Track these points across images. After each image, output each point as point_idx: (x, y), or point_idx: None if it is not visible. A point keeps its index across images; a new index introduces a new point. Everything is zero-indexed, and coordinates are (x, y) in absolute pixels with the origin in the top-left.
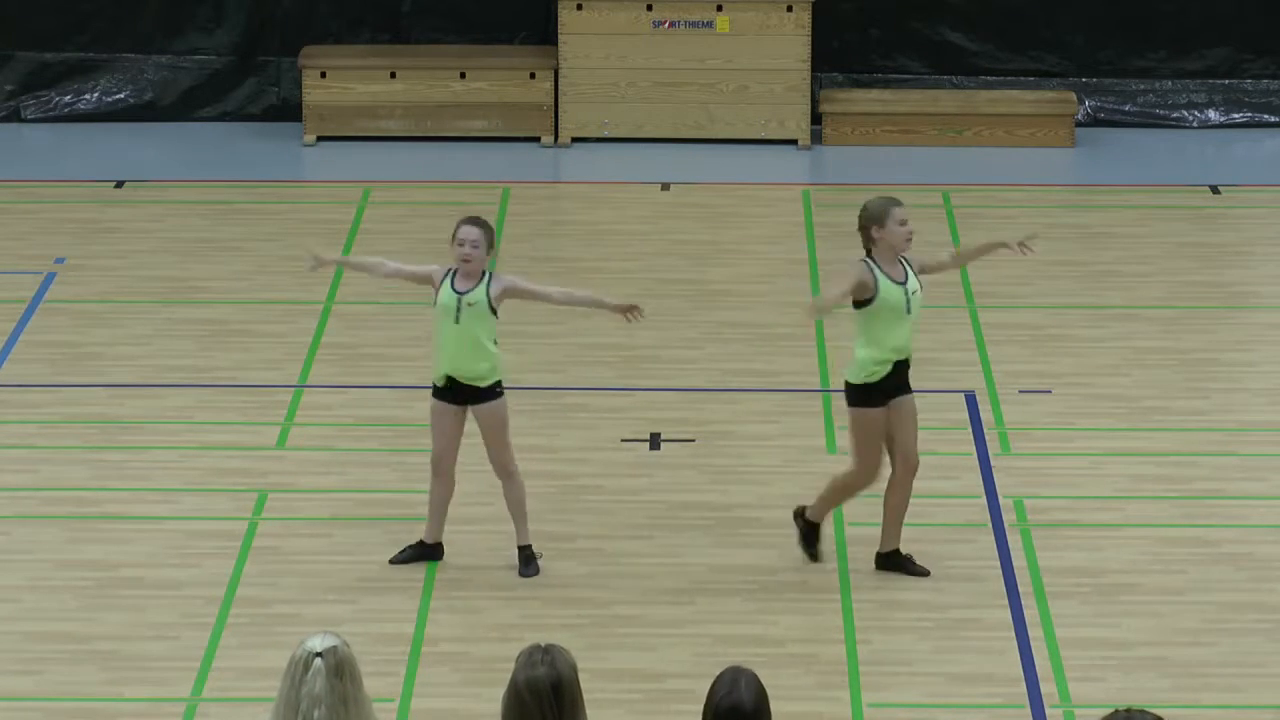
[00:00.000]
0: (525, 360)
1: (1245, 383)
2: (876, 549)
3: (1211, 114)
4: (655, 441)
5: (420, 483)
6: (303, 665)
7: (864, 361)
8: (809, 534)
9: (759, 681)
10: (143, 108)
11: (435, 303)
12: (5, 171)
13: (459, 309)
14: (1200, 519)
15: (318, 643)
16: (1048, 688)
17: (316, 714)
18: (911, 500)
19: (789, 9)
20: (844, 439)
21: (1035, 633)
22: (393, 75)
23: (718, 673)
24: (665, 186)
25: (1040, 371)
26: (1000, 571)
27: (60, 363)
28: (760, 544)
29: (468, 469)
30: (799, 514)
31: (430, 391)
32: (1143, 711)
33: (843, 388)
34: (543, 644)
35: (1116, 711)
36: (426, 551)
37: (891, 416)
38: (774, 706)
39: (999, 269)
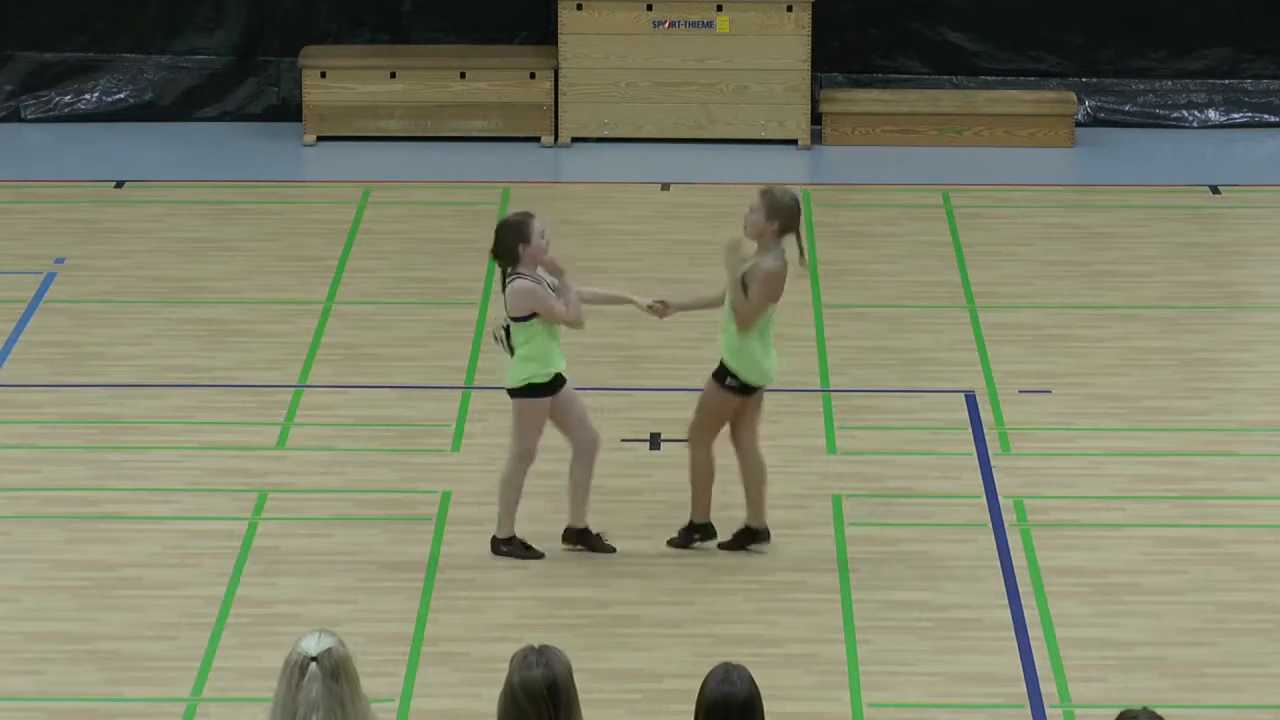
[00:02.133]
0: None
1: (1245, 383)
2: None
3: (1211, 114)
4: (655, 441)
5: (420, 482)
6: (298, 670)
7: (767, 365)
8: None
9: (750, 676)
10: (143, 108)
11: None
12: (5, 171)
13: None
14: (1200, 519)
15: (313, 645)
16: (1048, 688)
17: (314, 718)
18: (911, 500)
19: (789, 9)
20: (844, 438)
21: (1035, 633)
22: (393, 75)
23: (708, 673)
24: (665, 186)
25: (1040, 371)
26: (1000, 571)
27: (60, 363)
28: None
29: (470, 469)
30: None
31: (541, 392)
32: (1150, 712)
33: (729, 380)
34: (536, 645)
35: (1124, 712)
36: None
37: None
38: (774, 707)
39: (999, 269)
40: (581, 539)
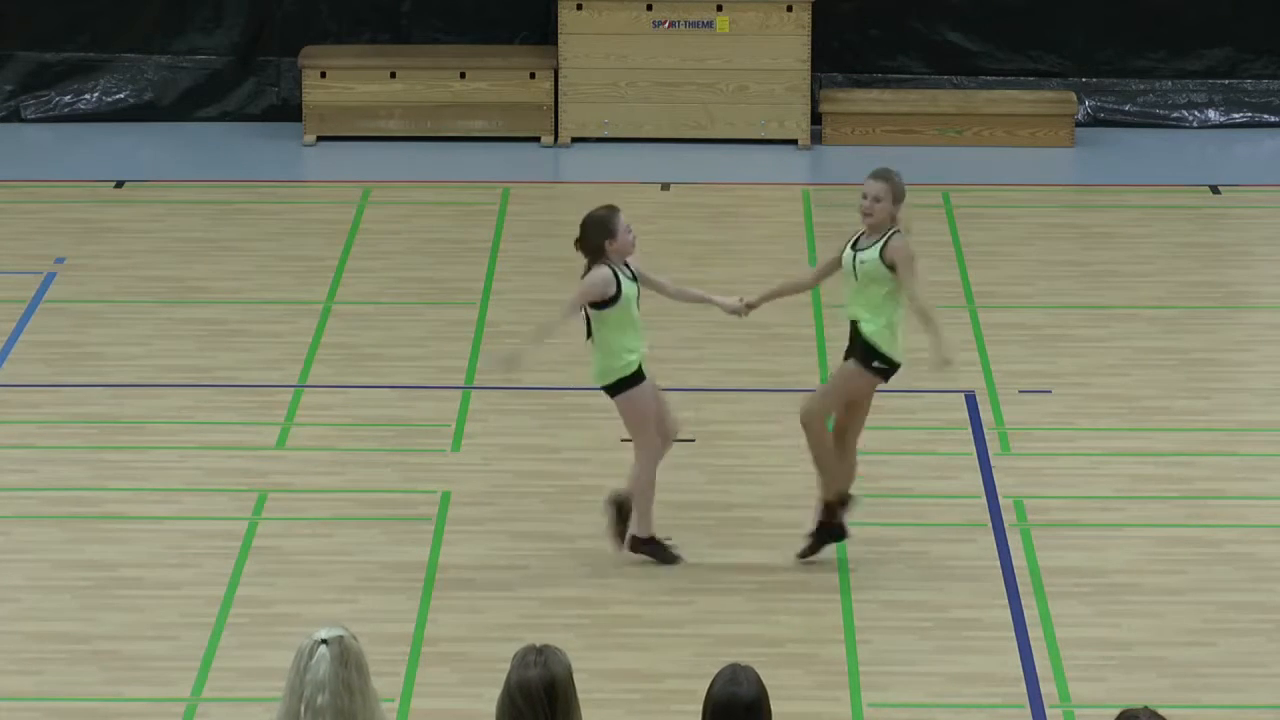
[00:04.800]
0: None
1: (1245, 383)
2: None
3: (1211, 114)
4: None
5: (420, 482)
6: (308, 652)
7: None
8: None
9: (759, 676)
10: (143, 108)
11: (618, 299)
12: (5, 171)
13: (638, 298)
14: (1200, 519)
15: (324, 632)
16: (1048, 688)
17: (320, 699)
18: (911, 500)
19: (789, 9)
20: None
21: (1035, 633)
22: (393, 75)
23: (717, 672)
24: (665, 186)
25: (1040, 371)
26: (1000, 571)
27: (60, 363)
28: (760, 544)
29: (470, 469)
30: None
31: (633, 380)
32: (1151, 711)
33: (876, 363)
34: (537, 644)
35: (1125, 712)
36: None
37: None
38: (774, 707)
39: (999, 269)
40: (645, 548)
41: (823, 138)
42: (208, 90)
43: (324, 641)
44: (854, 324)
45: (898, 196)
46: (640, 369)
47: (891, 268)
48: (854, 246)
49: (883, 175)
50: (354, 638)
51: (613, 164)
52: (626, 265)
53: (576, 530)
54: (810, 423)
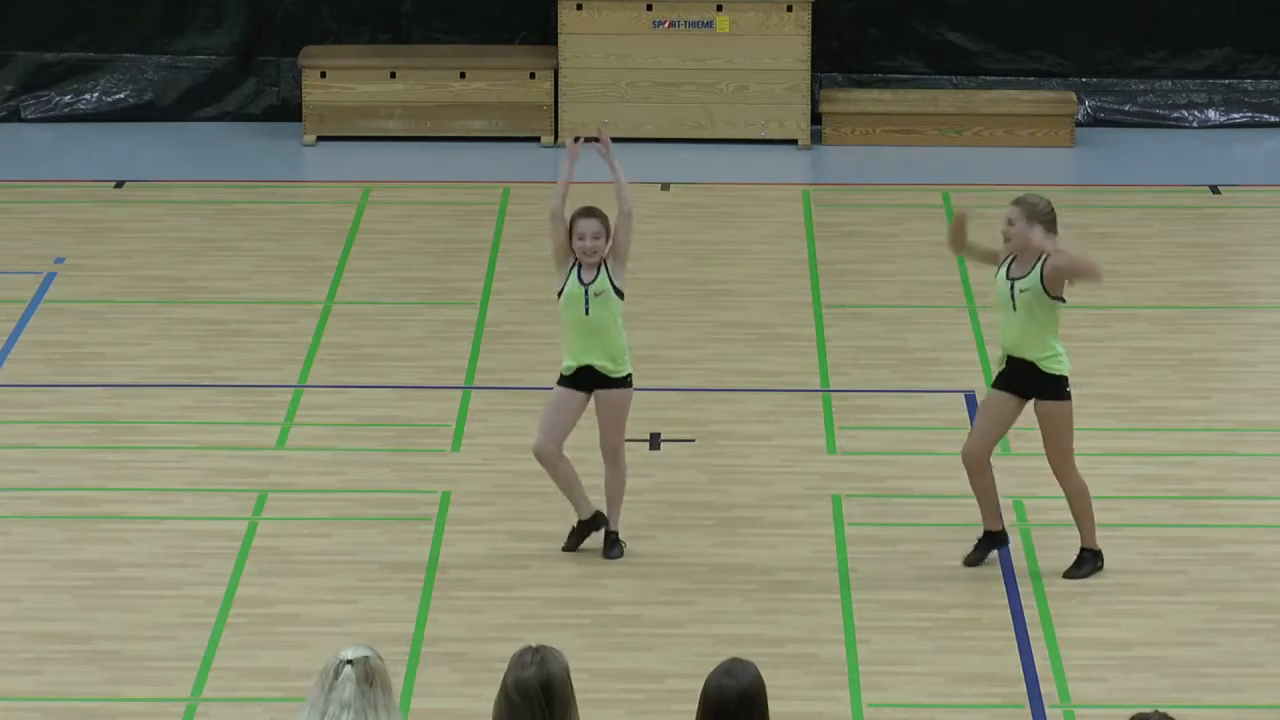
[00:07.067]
0: None
1: (1245, 383)
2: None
3: (1211, 114)
4: (655, 441)
5: (420, 482)
6: (333, 672)
7: None
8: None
9: (757, 670)
10: (143, 108)
11: (561, 292)
12: (5, 171)
13: (587, 300)
14: (1200, 519)
15: (349, 652)
16: (1048, 688)
17: (344, 718)
18: (911, 500)
19: (789, 9)
20: (844, 438)
21: (1035, 633)
22: (393, 75)
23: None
24: (665, 186)
25: None
26: (1000, 571)
27: (60, 363)
28: (760, 544)
29: (470, 469)
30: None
31: (557, 380)
32: (1162, 714)
33: (1067, 388)
34: (533, 645)
35: (1137, 715)
36: (586, 528)
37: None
38: (774, 707)
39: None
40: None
41: (823, 138)
42: (208, 90)
43: (349, 662)
44: (1026, 361)
45: (1032, 215)
46: (563, 375)
47: (1056, 295)
48: (1009, 275)
49: (1018, 200)
50: (379, 656)
51: None
52: (604, 273)
53: None
54: (1068, 474)
